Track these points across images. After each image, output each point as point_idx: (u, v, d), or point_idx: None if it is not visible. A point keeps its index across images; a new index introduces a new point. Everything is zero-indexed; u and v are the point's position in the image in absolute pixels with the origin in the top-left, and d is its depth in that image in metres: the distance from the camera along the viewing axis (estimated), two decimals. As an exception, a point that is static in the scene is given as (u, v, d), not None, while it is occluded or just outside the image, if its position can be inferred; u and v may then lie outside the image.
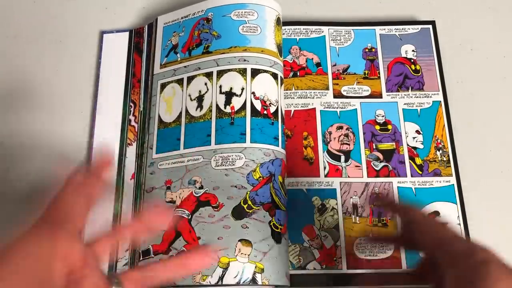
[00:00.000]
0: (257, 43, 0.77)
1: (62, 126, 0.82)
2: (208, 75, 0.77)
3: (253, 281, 0.65)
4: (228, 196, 0.69)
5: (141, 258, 0.71)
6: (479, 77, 0.85)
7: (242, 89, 0.74)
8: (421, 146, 0.79)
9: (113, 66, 0.85)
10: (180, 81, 0.79)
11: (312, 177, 0.77)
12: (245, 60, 0.76)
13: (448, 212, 0.75)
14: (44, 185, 0.78)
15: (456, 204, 0.75)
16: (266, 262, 0.66)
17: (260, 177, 0.70)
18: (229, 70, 0.76)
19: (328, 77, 0.84)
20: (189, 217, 0.70)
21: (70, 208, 0.48)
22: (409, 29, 0.87)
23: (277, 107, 0.75)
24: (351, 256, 0.73)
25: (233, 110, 0.73)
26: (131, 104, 0.82)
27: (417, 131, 0.80)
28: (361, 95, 0.82)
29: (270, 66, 0.76)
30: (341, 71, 0.84)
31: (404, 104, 0.82)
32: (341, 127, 0.80)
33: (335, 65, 0.85)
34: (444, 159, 0.78)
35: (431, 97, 0.82)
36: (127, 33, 0.88)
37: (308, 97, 0.82)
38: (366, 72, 0.84)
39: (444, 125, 0.80)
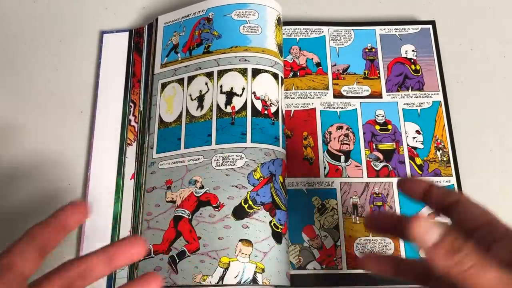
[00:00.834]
0: (258, 43, 0.77)
1: (62, 126, 0.82)
2: (209, 75, 0.77)
3: (254, 281, 0.65)
4: (228, 196, 0.69)
5: (141, 258, 0.71)
6: (479, 77, 0.85)
7: (243, 89, 0.74)
8: (421, 146, 0.79)
9: (113, 66, 0.85)
10: (180, 81, 0.79)
11: (312, 177, 0.77)
12: (245, 60, 0.76)
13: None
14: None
15: (456, 204, 0.75)
16: (267, 262, 0.66)
17: (260, 177, 0.70)
18: (229, 70, 0.76)
19: (328, 77, 0.84)
20: (190, 217, 0.70)
21: (18, 256, 0.45)
22: (409, 29, 0.87)
23: (278, 107, 0.75)
24: (351, 256, 0.73)
25: (233, 110, 0.73)
26: (131, 104, 0.82)
27: (417, 131, 0.80)
28: (361, 95, 0.82)
29: (271, 66, 0.76)
30: (341, 71, 0.84)
31: (404, 104, 0.82)
32: (341, 127, 0.80)
33: (335, 65, 0.85)
34: (444, 159, 0.78)
35: (431, 97, 0.82)
36: (127, 33, 0.88)
37: (308, 97, 0.82)
38: (366, 72, 0.84)
39: (444, 125, 0.80)
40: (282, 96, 0.77)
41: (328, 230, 0.74)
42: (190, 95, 0.77)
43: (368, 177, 0.77)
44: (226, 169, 0.71)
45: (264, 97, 0.74)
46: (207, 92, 0.76)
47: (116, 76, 0.85)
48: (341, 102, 0.82)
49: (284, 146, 0.74)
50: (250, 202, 0.68)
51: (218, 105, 0.75)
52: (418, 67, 0.84)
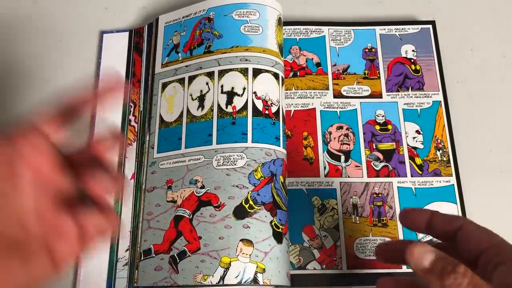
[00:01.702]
0: (259, 43, 0.77)
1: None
2: (210, 74, 0.77)
3: (255, 281, 0.65)
4: (229, 195, 0.69)
5: (142, 258, 0.71)
6: (479, 77, 0.85)
7: (244, 88, 0.74)
8: (421, 146, 0.79)
9: (113, 66, 0.85)
10: (181, 81, 0.79)
11: (312, 177, 0.77)
12: (246, 60, 0.76)
13: (448, 212, 0.75)
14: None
15: (456, 204, 0.75)
16: (268, 262, 0.66)
17: (261, 177, 0.70)
18: (230, 69, 0.76)
19: (328, 77, 0.84)
20: (190, 217, 0.70)
21: (44, 121, 0.47)
22: (409, 29, 0.87)
23: (279, 107, 0.75)
24: (351, 256, 0.73)
25: (234, 110, 0.73)
26: (131, 104, 0.82)
27: (417, 131, 0.80)
28: (361, 95, 0.82)
29: (272, 66, 0.76)
30: (341, 71, 0.84)
31: (404, 104, 0.82)
32: (341, 127, 0.80)
33: (335, 65, 0.85)
34: (444, 159, 0.78)
35: (431, 97, 0.82)
36: (127, 33, 0.88)
37: (308, 97, 0.82)
38: (366, 72, 0.84)
39: (444, 125, 0.80)
40: (283, 96, 0.77)
41: (328, 230, 0.74)
42: (191, 95, 0.77)
43: (368, 177, 0.77)
44: (227, 169, 0.71)
45: (265, 97, 0.74)
46: (208, 92, 0.76)
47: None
48: (341, 102, 0.82)
49: (285, 146, 0.74)
50: (251, 202, 0.68)
51: (219, 105, 0.75)
52: (418, 67, 0.84)
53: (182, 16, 0.83)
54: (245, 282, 0.65)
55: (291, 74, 0.83)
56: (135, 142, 0.80)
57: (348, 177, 0.77)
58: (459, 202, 0.75)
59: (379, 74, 0.84)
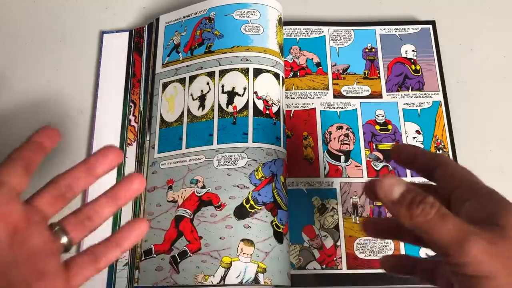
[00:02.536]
0: (260, 43, 0.77)
1: (62, 126, 0.82)
2: (210, 74, 0.77)
3: (256, 281, 0.65)
4: (230, 195, 0.69)
5: (142, 258, 0.71)
6: (479, 77, 0.85)
7: (245, 88, 0.74)
8: (421, 146, 0.79)
9: (113, 66, 0.85)
10: (182, 81, 0.79)
11: (312, 177, 0.77)
12: (247, 60, 0.76)
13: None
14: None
15: (456, 204, 0.75)
16: (269, 262, 0.66)
17: (262, 177, 0.70)
18: (231, 69, 0.76)
19: (328, 77, 0.84)
20: (191, 217, 0.70)
21: (7, 174, 0.47)
22: (409, 29, 0.87)
23: (279, 107, 0.75)
24: (351, 256, 0.73)
25: (235, 110, 0.73)
26: (131, 104, 0.82)
27: (417, 131, 0.80)
28: (361, 95, 0.82)
29: (272, 66, 0.76)
30: (341, 71, 0.84)
31: (404, 104, 0.82)
32: (341, 127, 0.80)
33: (335, 65, 0.85)
34: (444, 159, 0.78)
35: (431, 97, 0.82)
36: (127, 33, 0.88)
37: (308, 97, 0.82)
38: (366, 72, 0.84)
39: (444, 125, 0.80)
40: (283, 96, 0.77)
41: (328, 230, 0.74)
42: (192, 95, 0.77)
43: (368, 177, 0.77)
44: (228, 168, 0.71)
45: (266, 97, 0.74)
46: (208, 91, 0.76)
47: (116, 76, 0.85)
48: (341, 102, 0.82)
49: (285, 146, 0.74)
50: (252, 202, 0.68)
51: (219, 105, 0.75)
52: (418, 67, 0.84)
53: (183, 16, 0.83)
54: (246, 282, 0.65)
55: (291, 74, 0.83)
56: (135, 142, 0.80)
57: (348, 177, 0.77)
58: (459, 202, 0.75)
59: (379, 74, 0.84)
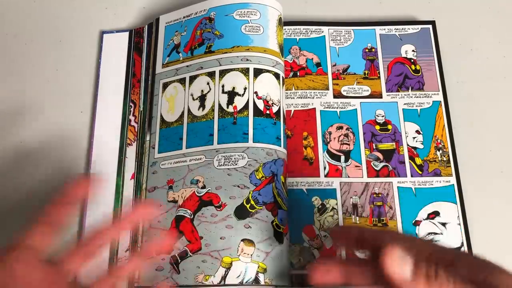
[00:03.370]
0: (260, 43, 0.77)
1: (62, 126, 0.82)
2: (211, 74, 0.77)
3: (256, 281, 0.65)
4: (230, 195, 0.69)
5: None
6: (479, 77, 0.85)
7: (245, 88, 0.74)
8: (421, 146, 0.79)
9: (113, 66, 0.85)
10: (182, 81, 0.79)
11: (312, 177, 0.77)
12: (247, 60, 0.76)
13: (448, 212, 0.75)
14: (41, 191, 0.78)
15: (456, 204, 0.75)
16: (269, 262, 0.66)
17: (262, 177, 0.70)
18: (231, 69, 0.76)
19: (328, 77, 0.84)
20: (192, 217, 0.70)
21: (30, 234, 0.48)
22: (409, 29, 0.87)
23: (279, 107, 0.75)
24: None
25: (235, 110, 0.73)
26: (131, 104, 0.82)
27: (417, 131, 0.80)
28: (361, 95, 0.83)
29: (273, 66, 0.76)
30: (341, 71, 0.84)
31: (404, 104, 0.82)
32: (341, 127, 0.80)
33: (335, 65, 0.85)
34: (444, 159, 0.78)
35: (431, 97, 0.82)
36: (127, 33, 0.88)
37: (308, 97, 0.82)
38: (366, 72, 0.84)
39: (444, 125, 0.80)
40: (284, 96, 0.77)
41: (328, 230, 0.74)
42: (192, 95, 0.77)
43: (368, 177, 0.77)
44: (228, 168, 0.71)
45: (266, 97, 0.74)
46: (209, 91, 0.76)
47: (116, 76, 0.85)
48: (341, 102, 0.82)
49: (285, 146, 0.74)
50: (252, 202, 0.68)
51: (220, 105, 0.75)
52: (418, 67, 0.84)
53: (183, 16, 0.83)
54: (246, 282, 0.65)
55: (291, 74, 0.84)
56: (135, 142, 0.80)
57: (348, 177, 0.77)
58: (459, 202, 0.75)
59: (379, 74, 0.84)
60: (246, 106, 0.73)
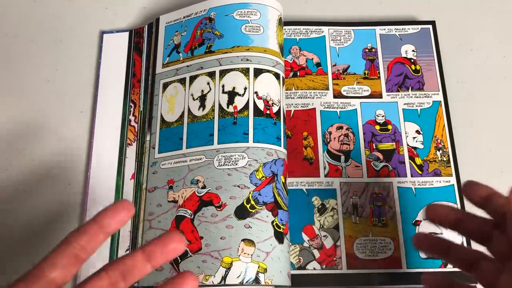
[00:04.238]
0: (260, 43, 0.77)
1: (62, 126, 0.82)
2: (211, 74, 0.77)
3: (256, 281, 0.65)
4: (231, 195, 0.69)
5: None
6: (479, 77, 0.85)
7: (245, 88, 0.74)
8: (421, 146, 0.79)
9: (113, 66, 0.85)
10: (182, 81, 0.79)
11: (312, 177, 0.77)
12: (247, 60, 0.76)
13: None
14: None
15: (456, 204, 0.75)
16: (269, 262, 0.66)
17: (263, 177, 0.70)
18: (231, 69, 0.76)
19: (328, 77, 0.84)
20: (192, 217, 0.70)
21: (49, 265, 0.44)
22: (409, 29, 0.87)
23: (279, 107, 0.75)
24: (351, 256, 0.73)
25: (236, 110, 0.73)
26: (131, 104, 0.82)
27: (417, 131, 0.80)
28: (361, 95, 0.83)
29: (273, 66, 0.76)
30: (341, 71, 0.84)
31: (404, 104, 0.82)
32: (341, 127, 0.80)
33: (335, 65, 0.85)
34: (444, 159, 0.78)
35: (431, 97, 0.82)
36: (127, 33, 0.88)
37: (308, 97, 0.82)
38: (366, 72, 0.84)
39: (444, 125, 0.80)
40: (284, 96, 0.77)
41: (328, 230, 0.74)
42: (192, 95, 0.77)
43: (368, 177, 0.77)
44: (228, 168, 0.71)
45: (266, 97, 0.74)
46: (209, 91, 0.76)
47: (116, 76, 0.85)
48: (341, 102, 0.82)
49: (285, 146, 0.74)
50: (253, 202, 0.68)
51: (220, 105, 0.75)
52: (418, 67, 0.84)
53: (183, 16, 0.83)
54: (246, 282, 0.65)
55: (291, 74, 0.84)
56: (135, 142, 0.80)
57: (348, 177, 0.77)
58: (459, 202, 0.75)
59: (379, 74, 0.84)
60: (246, 106, 0.73)
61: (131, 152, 0.79)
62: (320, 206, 0.75)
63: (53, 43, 0.88)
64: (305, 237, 0.73)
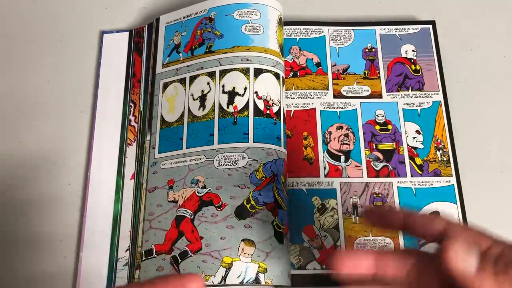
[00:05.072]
0: (260, 43, 0.77)
1: (62, 126, 0.82)
2: (211, 74, 0.77)
3: (256, 281, 0.65)
4: (231, 195, 0.69)
5: (143, 258, 0.71)
6: (479, 77, 0.85)
7: (245, 88, 0.74)
8: (421, 146, 0.79)
9: (113, 66, 0.85)
10: (182, 81, 0.79)
11: (312, 177, 0.77)
12: (248, 60, 0.76)
13: (448, 212, 0.75)
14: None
15: (456, 204, 0.75)
16: (269, 262, 0.66)
17: (263, 177, 0.70)
18: (231, 69, 0.76)
19: (328, 77, 0.84)
20: (192, 217, 0.70)
21: None
22: (409, 29, 0.87)
23: (280, 107, 0.75)
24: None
25: (236, 110, 0.73)
26: (131, 104, 0.82)
27: (417, 131, 0.80)
28: (361, 95, 0.82)
29: (273, 66, 0.76)
30: (341, 71, 0.84)
31: (404, 104, 0.82)
32: (341, 127, 0.80)
33: (335, 65, 0.85)
34: (444, 159, 0.78)
35: (431, 97, 0.82)
36: (127, 33, 0.88)
37: (308, 97, 0.82)
38: (366, 72, 0.84)
39: (444, 125, 0.80)
40: (284, 96, 0.77)
41: (328, 230, 0.74)
42: (192, 95, 0.77)
43: (368, 177, 0.77)
44: (229, 168, 0.71)
45: (266, 97, 0.74)
46: (209, 91, 0.76)
47: (116, 76, 0.85)
48: (341, 102, 0.82)
49: (286, 146, 0.74)
50: (253, 202, 0.68)
51: (220, 105, 0.75)
52: (418, 67, 0.84)
53: (183, 16, 0.83)
54: (247, 282, 0.65)
55: (291, 74, 0.83)
56: (135, 142, 0.80)
57: (348, 177, 0.77)
58: (459, 202, 0.75)
59: (379, 74, 0.84)
60: (246, 106, 0.73)
61: (131, 152, 0.79)
62: (320, 206, 0.75)
63: (53, 43, 0.88)
64: (305, 237, 0.73)
